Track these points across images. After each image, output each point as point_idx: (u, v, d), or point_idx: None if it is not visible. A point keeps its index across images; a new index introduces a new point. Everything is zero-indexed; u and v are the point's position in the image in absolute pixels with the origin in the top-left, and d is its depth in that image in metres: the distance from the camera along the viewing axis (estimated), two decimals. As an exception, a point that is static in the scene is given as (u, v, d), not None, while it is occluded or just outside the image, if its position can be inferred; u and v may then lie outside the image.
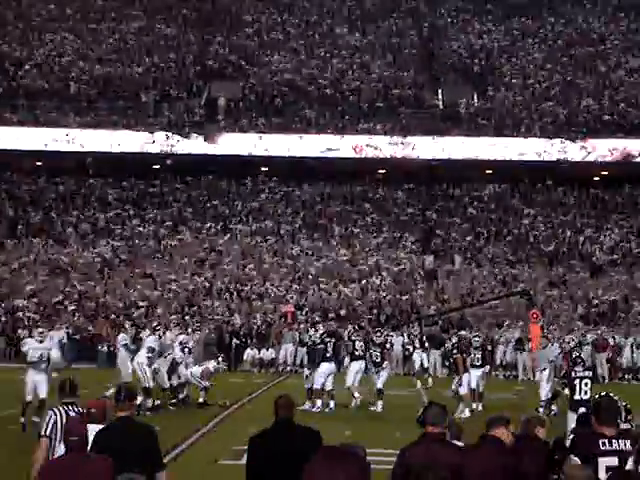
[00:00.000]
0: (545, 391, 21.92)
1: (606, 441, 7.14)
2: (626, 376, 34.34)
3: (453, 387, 22.88)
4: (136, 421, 8.37)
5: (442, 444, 7.41)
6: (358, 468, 7.66)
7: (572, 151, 46.85)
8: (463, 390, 22.27)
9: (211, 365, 23.18)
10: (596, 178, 48.67)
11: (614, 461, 7.03)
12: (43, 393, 17.81)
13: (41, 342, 18.77)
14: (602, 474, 6.93)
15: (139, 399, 21.09)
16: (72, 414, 9.18)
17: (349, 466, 7.71)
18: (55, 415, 9.12)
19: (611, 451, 7.13)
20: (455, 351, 24.08)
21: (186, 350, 23.08)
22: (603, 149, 47.09)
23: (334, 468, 7.62)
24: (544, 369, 23.04)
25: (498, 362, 35.20)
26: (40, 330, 20.22)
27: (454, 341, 25.74)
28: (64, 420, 8.98)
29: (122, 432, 8.00)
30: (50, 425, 8.98)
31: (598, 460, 7.06)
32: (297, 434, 7.96)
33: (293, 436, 7.90)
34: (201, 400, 22.11)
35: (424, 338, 32.88)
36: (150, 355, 21.48)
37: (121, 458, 7.51)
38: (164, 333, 23.41)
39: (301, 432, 8.03)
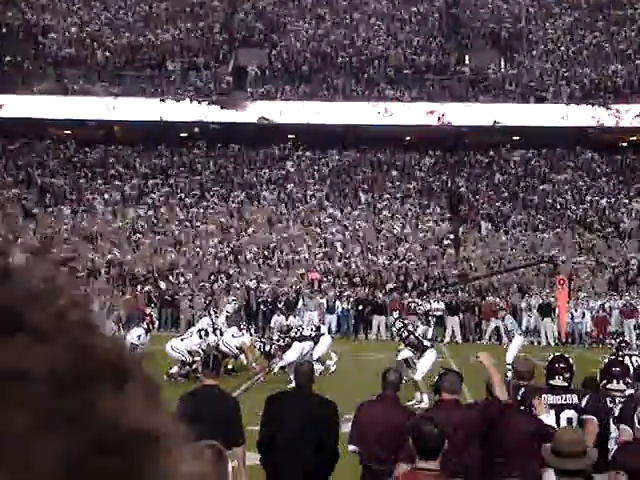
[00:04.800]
0: (512, 356, 20.46)
1: None
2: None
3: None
4: (223, 391, 8.56)
5: (458, 410, 7.63)
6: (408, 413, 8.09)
7: (600, 116, 46.59)
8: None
9: (247, 339, 23.65)
10: (624, 144, 48.42)
11: None
12: None
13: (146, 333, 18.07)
14: None
15: (175, 369, 21.46)
16: None
17: (399, 410, 8.16)
18: None
19: None
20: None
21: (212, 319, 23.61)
22: (632, 115, 46.77)
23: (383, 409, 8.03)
24: (519, 334, 23.48)
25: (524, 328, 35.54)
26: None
27: (395, 316, 26.09)
28: None
29: (208, 400, 8.20)
30: None
31: None
32: (311, 401, 8.18)
33: (306, 401, 8.12)
34: (230, 366, 22.39)
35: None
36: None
37: (203, 425, 7.80)
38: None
39: (316, 400, 8.25)
